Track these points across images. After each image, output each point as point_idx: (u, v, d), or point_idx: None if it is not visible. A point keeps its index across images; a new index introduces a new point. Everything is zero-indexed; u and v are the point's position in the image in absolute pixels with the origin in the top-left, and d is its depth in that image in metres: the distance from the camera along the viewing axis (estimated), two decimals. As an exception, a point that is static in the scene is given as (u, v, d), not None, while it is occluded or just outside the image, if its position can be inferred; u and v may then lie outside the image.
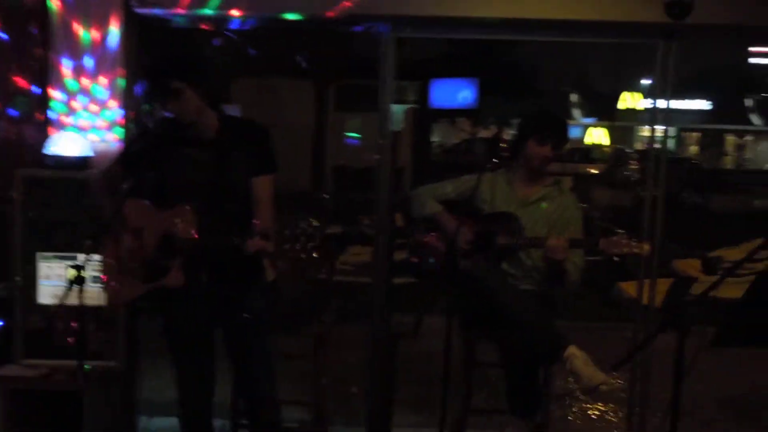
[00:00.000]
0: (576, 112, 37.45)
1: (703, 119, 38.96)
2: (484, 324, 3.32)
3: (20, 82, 3.70)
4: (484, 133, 26.31)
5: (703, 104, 38.76)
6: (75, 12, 3.59)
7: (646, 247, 3.12)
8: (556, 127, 3.49)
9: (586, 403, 4.51)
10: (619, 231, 3.20)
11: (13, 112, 3.73)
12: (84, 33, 3.61)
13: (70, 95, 3.65)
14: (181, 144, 2.89)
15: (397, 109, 14.72)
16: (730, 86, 36.91)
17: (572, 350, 3.01)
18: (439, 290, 3.57)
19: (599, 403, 4.48)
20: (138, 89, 3.68)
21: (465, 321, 3.43)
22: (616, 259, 3.13)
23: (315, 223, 2.60)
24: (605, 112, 37.08)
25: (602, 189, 15.51)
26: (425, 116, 16.29)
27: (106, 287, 3.04)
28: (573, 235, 3.38)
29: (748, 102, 41.15)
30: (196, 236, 2.80)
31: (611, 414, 4.38)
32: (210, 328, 3.06)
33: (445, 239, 3.49)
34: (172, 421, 3.33)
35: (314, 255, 2.56)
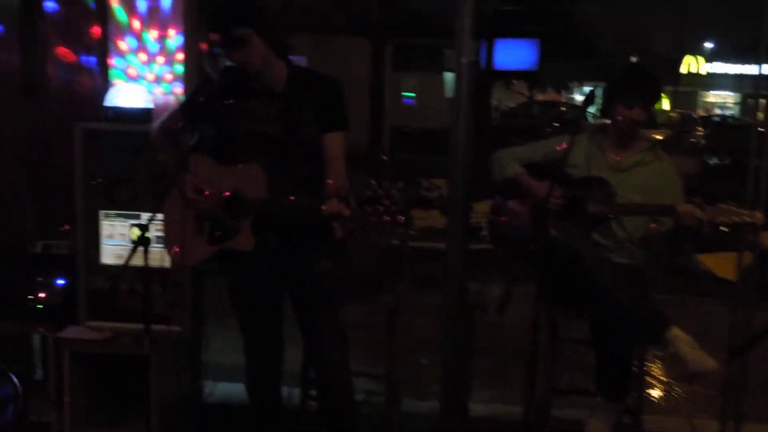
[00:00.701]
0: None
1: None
2: (573, 298, 3.07)
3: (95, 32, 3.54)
4: (541, 97, 25.73)
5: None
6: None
7: (759, 215, 2.82)
8: (645, 87, 3.19)
9: (675, 385, 4.24)
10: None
11: (87, 60, 3.58)
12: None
13: (132, 48, 3.48)
14: (247, 96, 2.71)
15: (450, 75, 14.38)
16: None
17: (676, 332, 2.74)
18: (522, 259, 3.31)
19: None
20: (200, 38, 3.48)
21: (552, 293, 3.19)
22: (724, 229, 2.83)
23: (399, 185, 2.37)
24: (666, 76, 35.96)
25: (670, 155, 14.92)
26: (482, 78, 15.85)
27: (171, 248, 2.88)
28: (672, 203, 3.10)
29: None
30: (265, 196, 2.62)
31: (702, 395, 4.09)
32: (278, 293, 2.90)
33: (530, 204, 3.24)
34: (239, 387, 3.20)
35: (398, 220, 2.33)
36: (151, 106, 3.37)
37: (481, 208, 3.46)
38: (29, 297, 3.44)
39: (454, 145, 3.60)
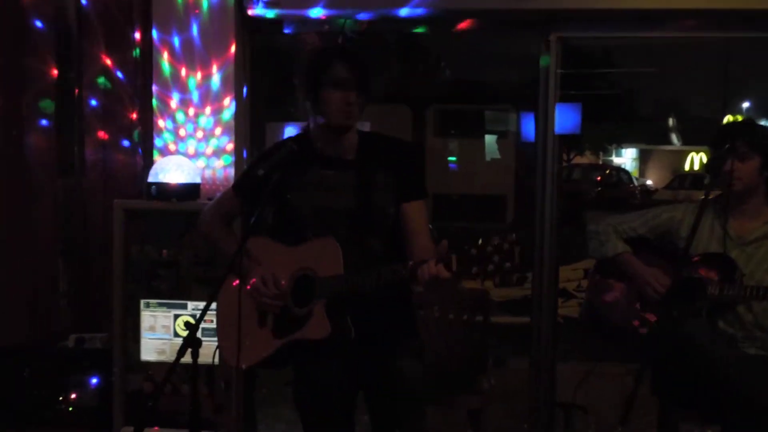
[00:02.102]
0: (674, 137, 35.95)
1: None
2: (697, 398, 2.56)
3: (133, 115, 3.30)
4: (580, 160, 25.35)
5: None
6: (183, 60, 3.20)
7: None
8: (752, 135, 2.72)
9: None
10: None
11: (126, 143, 3.34)
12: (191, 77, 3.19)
13: (178, 124, 3.21)
14: (315, 166, 2.37)
15: (490, 139, 14.12)
16: None
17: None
18: (626, 347, 2.83)
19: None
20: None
21: (671, 391, 2.68)
22: None
23: (512, 236, 2.05)
24: (706, 136, 35.45)
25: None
26: (521, 143, 15.57)
27: (226, 348, 2.45)
28: (809, 283, 2.62)
29: None
30: (342, 273, 2.25)
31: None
32: (354, 393, 2.47)
33: (635, 290, 2.78)
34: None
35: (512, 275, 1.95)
36: (198, 180, 3.00)
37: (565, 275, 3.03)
38: (59, 398, 3.03)
39: (540, 208, 3.27)
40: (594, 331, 2.96)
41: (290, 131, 3.24)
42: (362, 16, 3.21)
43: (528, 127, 14.95)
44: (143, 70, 3.28)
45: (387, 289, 2.25)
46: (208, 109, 3.13)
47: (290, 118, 3.49)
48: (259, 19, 3.18)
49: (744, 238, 2.75)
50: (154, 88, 3.18)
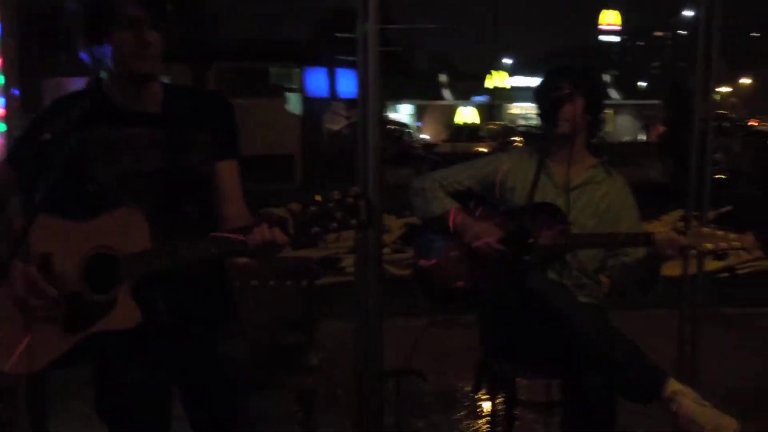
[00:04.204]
0: (446, 93, 37.63)
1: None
2: (533, 352, 2.51)
3: None
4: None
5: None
6: None
7: (750, 239, 2.39)
8: (573, 74, 2.71)
9: None
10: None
11: None
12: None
13: None
14: (112, 122, 1.97)
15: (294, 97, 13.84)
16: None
17: (675, 386, 2.25)
18: (459, 307, 2.71)
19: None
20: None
21: (501, 348, 2.60)
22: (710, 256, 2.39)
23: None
24: (473, 91, 37.58)
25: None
26: (308, 103, 15.41)
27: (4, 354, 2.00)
28: (629, 227, 2.64)
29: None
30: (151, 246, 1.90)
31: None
32: (169, 393, 2.11)
33: (465, 246, 2.66)
34: None
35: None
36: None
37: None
38: None
39: (360, 170, 3.06)
40: (425, 296, 2.82)
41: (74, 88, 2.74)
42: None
43: (313, 84, 14.84)
44: None
45: (200, 262, 1.94)
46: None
47: (72, 72, 2.94)
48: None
49: (567, 184, 2.72)
50: None
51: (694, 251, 2.51)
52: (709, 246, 2.39)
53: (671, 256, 2.44)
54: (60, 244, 1.92)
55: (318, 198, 1.84)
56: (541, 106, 2.72)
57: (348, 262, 6.60)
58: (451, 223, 2.67)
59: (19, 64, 2.73)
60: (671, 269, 2.96)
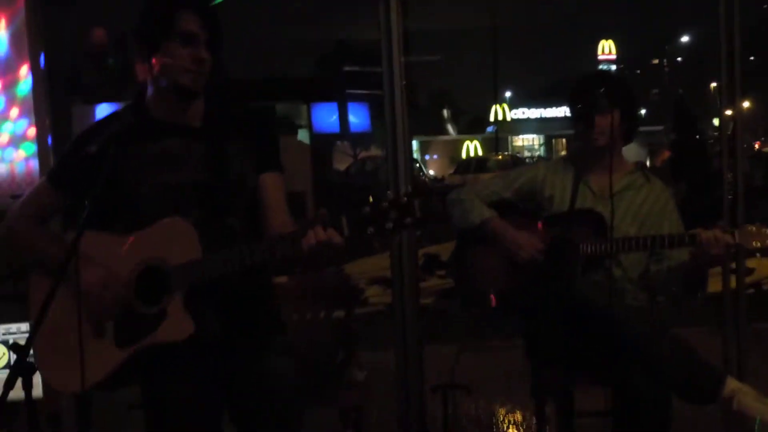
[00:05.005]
0: (450, 128, 37.84)
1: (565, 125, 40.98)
2: (585, 359, 2.47)
3: None
4: (365, 154, 25.80)
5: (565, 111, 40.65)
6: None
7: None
8: (609, 89, 2.63)
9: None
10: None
11: None
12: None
13: None
14: (156, 136, 1.99)
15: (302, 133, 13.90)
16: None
17: (734, 384, 2.21)
18: (503, 317, 2.69)
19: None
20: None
21: (552, 355, 2.57)
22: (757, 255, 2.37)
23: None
24: (476, 125, 37.81)
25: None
26: (316, 139, 15.48)
27: (52, 370, 1.99)
28: (672, 230, 2.64)
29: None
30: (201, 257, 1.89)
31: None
32: (220, 407, 2.08)
33: (508, 257, 2.65)
34: None
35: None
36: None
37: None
38: None
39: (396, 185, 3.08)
40: (468, 306, 2.81)
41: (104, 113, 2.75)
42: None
43: (321, 120, 14.91)
44: None
45: (249, 275, 1.93)
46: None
47: (102, 98, 2.96)
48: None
49: (606, 191, 2.70)
50: None
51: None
52: (757, 244, 2.37)
53: (717, 256, 2.42)
54: (109, 257, 1.92)
55: (371, 199, 1.83)
56: (575, 115, 2.70)
57: (371, 292, 6.56)
58: (493, 231, 2.65)
59: (50, 90, 2.75)
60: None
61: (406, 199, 1.80)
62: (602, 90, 2.63)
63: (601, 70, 3.43)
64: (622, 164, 2.76)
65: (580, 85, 2.73)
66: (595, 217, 2.63)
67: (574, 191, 2.60)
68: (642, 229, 2.66)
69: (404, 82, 3.05)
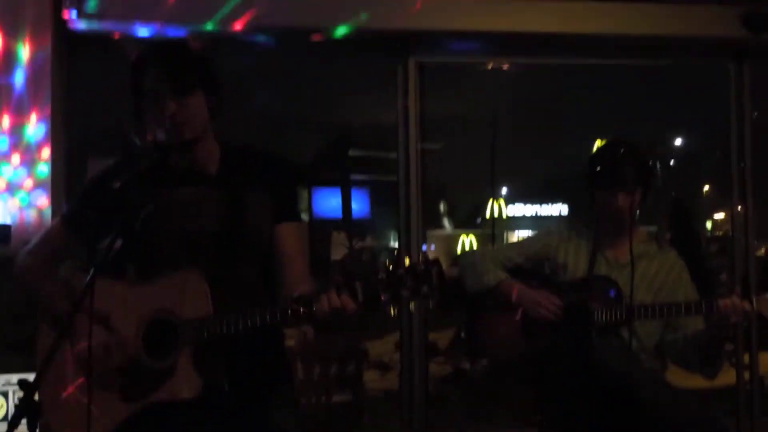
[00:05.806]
0: (446, 221, 38.07)
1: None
2: (597, 427, 2.40)
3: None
4: (361, 245, 25.78)
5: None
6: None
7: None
8: (624, 166, 2.57)
9: None
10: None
11: None
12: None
13: None
14: (170, 181, 1.96)
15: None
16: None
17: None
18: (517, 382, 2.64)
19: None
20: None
21: (564, 425, 2.51)
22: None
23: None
24: (472, 220, 38.00)
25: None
26: (316, 225, 15.44)
27: (55, 422, 1.92)
28: (688, 298, 2.61)
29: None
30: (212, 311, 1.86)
31: None
32: None
33: (521, 319, 2.62)
34: None
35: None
36: (8, 221, 2.43)
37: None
38: None
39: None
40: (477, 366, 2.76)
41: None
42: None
43: (322, 206, 14.92)
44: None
45: (261, 332, 1.87)
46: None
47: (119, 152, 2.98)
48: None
49: (620, 259, 2.70)
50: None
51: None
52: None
53: (735, 325, 2.39)
54: (118, 307, 1.89)
55: (388, 264, 1.79)
56: (596, 185, 2.63)
57: (368, 377, 6.42)
58: (514, 293, 2.62)
59: (67, 144, 2.77)
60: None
61: (423, 267, 1.76)
62: (630, 169, 2.56)
63: (629, 144, 3.20)
64: (638, 233, 2.76)
65: (607, 155, 2.67)
66: (611, 284, 2.62)
67: (592, 260, 2.59)
68: (657, 298, 2.63)
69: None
